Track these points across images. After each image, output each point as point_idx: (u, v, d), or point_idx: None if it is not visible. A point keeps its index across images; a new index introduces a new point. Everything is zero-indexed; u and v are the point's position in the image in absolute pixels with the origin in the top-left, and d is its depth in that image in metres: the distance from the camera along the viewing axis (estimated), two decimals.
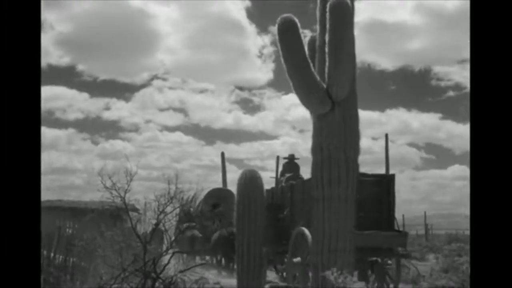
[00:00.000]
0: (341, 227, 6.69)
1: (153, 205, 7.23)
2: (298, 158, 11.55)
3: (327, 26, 6.81)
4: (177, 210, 7.68)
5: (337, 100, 6.84)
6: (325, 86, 6.86)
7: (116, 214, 8.97)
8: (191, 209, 16.10)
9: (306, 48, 7.10)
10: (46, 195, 17.04)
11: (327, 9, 6.80)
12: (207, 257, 15.99)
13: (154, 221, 7.22)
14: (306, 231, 7.32)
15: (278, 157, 11.56)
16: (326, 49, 6.84)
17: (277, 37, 7.02)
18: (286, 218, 9.15)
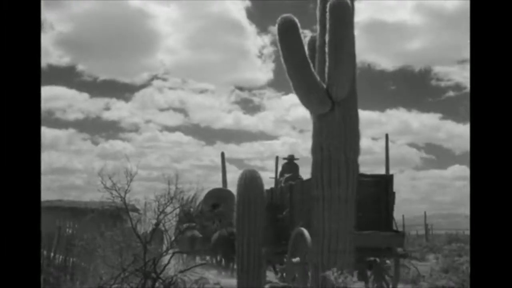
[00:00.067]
0: (341, 227, 6.69)
1: (153, 205, 7.23)
2: (297, 159, 11.56)
3: (327, 26, 6.81)
4: (177, 210, 7.67)
5: (337, 100, 6.84)
6: (325, 86, 6.86)
7: (116, 214, 8.97)
8: (191, 209, 16.12)
9: (306, 48, 7.10)
10: (46, 195, 17.07)
11: (327, 9, 6.80)
12: (207, 257, 15.99)
13: (154, 221, 7.22)
14: (305, 232, 7.32)
15: (277, 158, 11.57)
16: (326, 49, 6.84)
17: (277, 37, 7.02)
18: (285, 218, 9.15)
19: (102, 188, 6.79)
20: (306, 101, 6.98)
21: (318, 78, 6.91)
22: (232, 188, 14.46)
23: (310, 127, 7.18)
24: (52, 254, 7.99)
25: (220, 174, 22.23)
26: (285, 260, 8.85)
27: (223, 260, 15.11)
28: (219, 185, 20.42)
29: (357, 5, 7.22)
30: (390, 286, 8.21)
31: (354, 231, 6.81)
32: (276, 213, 9.45)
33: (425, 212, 29.89)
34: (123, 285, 6.60)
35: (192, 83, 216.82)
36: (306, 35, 7.53)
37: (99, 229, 8.09)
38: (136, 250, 6.90)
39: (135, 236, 6.97)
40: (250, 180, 8.49)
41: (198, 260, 13.31)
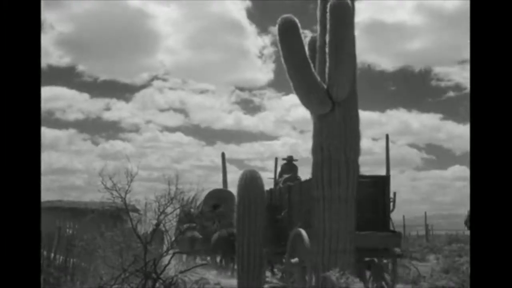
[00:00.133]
0: (341, 227, 6.68)
1: (153, 206, 7.24)
2: (296, 160, 11.55)
3: (328, 26, 6.81)
4: (178, 211, 7.68)
5: (338, 100, 6.84)
6: (325, 86, 6.86)
7: (116, 215, 8.95)
8: (192, 210, 16.09)
9: (306, 48, 7.10)
10: (46, 196, 17.06)
11: (328, 10, 6.80)
12: (208, 258, 15.98)
13: (154, 222, 7.22)
14: (303, 232, 7.32)
15: (276, 159, 11.60)
16: (327, 50, 6.84)
17: (277, 37, 7.02)
18: (284, 219, 9.15)
19: (102, 188, 6.80)
20: (306, 101, 6.98)
21: (319, 79, 6.90)
22: (233, 188, 14.47)
23: (310, 127, 7.18)
24: (52, 255, 7.99)
25: (221, 175, 22.22)
26: (283, 260, 8.85)
27: (223, 260, 15.12)
28: (219, 185, 20.40)
29: (357, 5, 7.22)
30: (391, 285, 8.20)
31: (354, 231, 6.81)
32: (275, 213, 9.45)
33: (425, 213, 29.87)
34: (124, 285, 6.60)
35: (193, 84, 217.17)
36: (306, 36, 7.54)
37: (100, 230, 8.09)
38: (136, 250, 6.90)
39: (136, 236, 6.97)
40: (251, 180, 8.49)
41: (198, 260, 13.31)
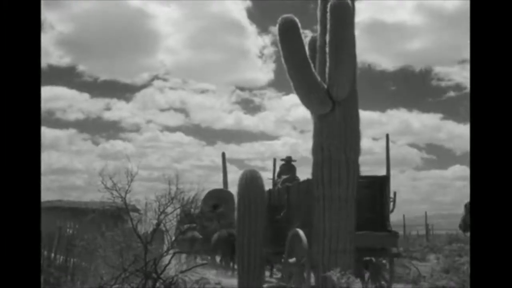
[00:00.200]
0: (341, 227, 6.69)
1: (153, 206, 7.24)
2: (295, 160, 11.56)
3: (328, 26, 6.81)
4: (178, 211, 7.67)
5: (338, 100, 6.84)
6: (325, 86, 6.86)
7: (117, 215, 8.95)
8: (192, 210, 16.08)
9: (306, 48, 7.10)
10: (46, 196, 17.08)
11: (328, 10, 6.80)
12: (209, 257, 15.99)
13: (155, 222, 7.22)
14: (301, 232, 7.32)
15: (275, 159, 11.62)
16: (327, 50, 6.84)
17: (277, 37, 7.03)
18: (283, 219, 9.15)
19: (102, 188, 6.80)
20: (306, 101, 6.98)
21: (319, 78, 6.91)
22: (233, 188, 14.47)
23: (310, 127, 7.19)
24: (52, 255, 8.00)
25: (221, 175, 22.22)
26: (282, 260, 8.85)
27: (223, 260, 15.14)
28: (219, 185, 20.41)
29: (357, 5, 7.24)
30: (389, 285, 8.21)
31: (354, 231, 6.81)
32: (274, 214, 9.46)
33: (425, 212, 29.88)
34: (124, 285, 6.60)
35: (193, 83, 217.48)
36: (306, 35, 7.55)
37: (100, 229, 8.09)
38: (136, 250, 6.90)
39: (136, 236, 6.97)
40: (251, 180, 8.49)
41: (198, 260, 13.31)
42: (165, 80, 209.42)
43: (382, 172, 8.92)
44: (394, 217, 8.73)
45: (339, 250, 6.64)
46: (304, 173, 10.87)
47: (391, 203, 8.35)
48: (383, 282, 8.24)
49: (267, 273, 11.12)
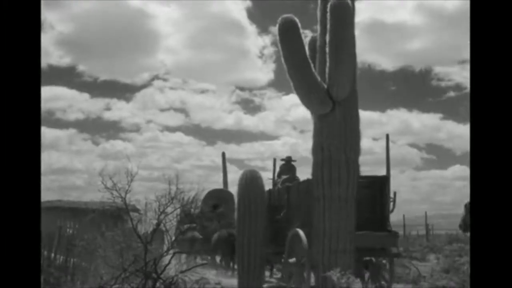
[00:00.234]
0: (341, 227, 6.69)
1: (153, 206, 7.24)
2: (295, 160, 11.56)
3: (328, 26, 6.81)
4: (178, 211, 7.68)
5: (338, 100, 6.84)
6: (325, 86, 6.86)
7: (117, 215, 8.95)
8: (192, 210, 16.07)
9: (306, 48, 7.10)
10: (46, 196, 17.05)
11: (328, 10, 6.80)
12: (209, 258, 15.99)
13: (155, 222, 7.22)
14: (301, 232, 7.32)
15: (274, 159, 11.61)
16: (327, 50, 6.84)
17: (277, 37, 7.03)
18: (282, 219, 9.16)
19: (102, 188, 6.81)
20: (306, 101, 6.98)
21: (319, 78, 6.91)
22: (233, 188, 14.47)
23: (310, 127, 7.19)
24: (52, 254, 8.00)
25: (221, 174, 22.21)
26: (282, 260, 8.85)
27: (223, 260, 15.14)
28: (219, 185, 20.41)
29: (357, 5, 7.23)
30: (389, 285, 8.21)
31: (354, 231, 6.81)
32: (274, 214, 9.47)
33: (425, 212, 29.87)
34: (124, 285, 6.60)
35: (193, 83, 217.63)
36: (306, 35, 7.55)
37: (100, 229, 8.09)
38: (136, 250, 6.91)
39: (136, 236, 6.97)
40: (251, 180, 8.50)
41: (198, 260, 13.30)
42: (165, 80, 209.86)
43: (382, 172, 8.92)
44: (394, 217, 8.72)
45: (339, 250, 6.64)
46: (304, 173, 10.88)
47: (391, 203, 8.35)
48: (383, 282, 8.24)
49: (267, 273, 11.11)
